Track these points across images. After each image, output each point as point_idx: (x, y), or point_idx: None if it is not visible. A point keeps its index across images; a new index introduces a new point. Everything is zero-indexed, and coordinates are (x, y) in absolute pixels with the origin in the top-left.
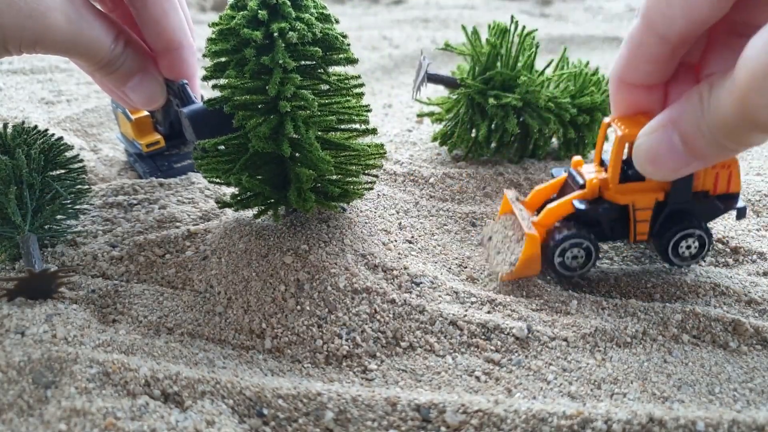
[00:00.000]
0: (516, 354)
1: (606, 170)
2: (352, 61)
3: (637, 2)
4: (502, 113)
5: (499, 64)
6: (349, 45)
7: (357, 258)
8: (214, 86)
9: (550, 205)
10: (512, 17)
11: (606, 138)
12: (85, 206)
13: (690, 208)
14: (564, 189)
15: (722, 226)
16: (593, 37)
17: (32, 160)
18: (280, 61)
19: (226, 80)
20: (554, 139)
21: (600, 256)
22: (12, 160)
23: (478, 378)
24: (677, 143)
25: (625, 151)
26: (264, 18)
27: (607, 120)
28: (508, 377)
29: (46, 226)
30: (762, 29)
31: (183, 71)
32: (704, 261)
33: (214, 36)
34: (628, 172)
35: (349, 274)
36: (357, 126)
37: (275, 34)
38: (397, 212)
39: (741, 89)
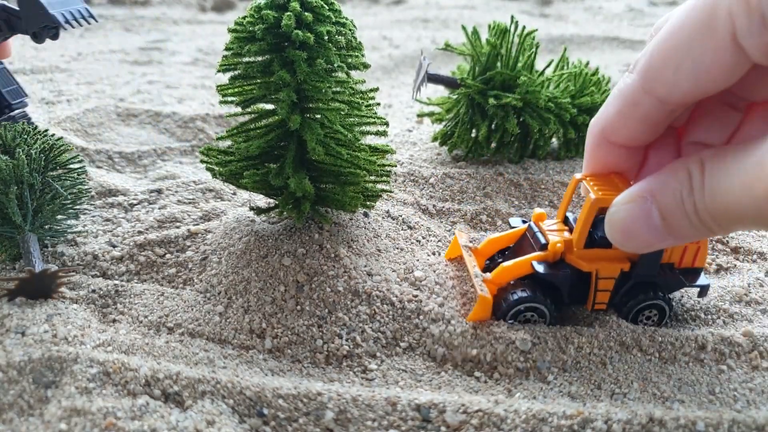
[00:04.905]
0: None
1: (570, 229)
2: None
3: (636, 2)
4: (502, 113)
5: (499, 64)
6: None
7: (356, 259)
8: (234, 78)
9: (505, 264)
10: (512, 17)
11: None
12: (85, 206)
13: (654, 280)
14: (521, 242)
15: None
16: (593, 37)
17: (32, 160)
18: (291, 32)
19: (241, 68)
20: (554, 139)
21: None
22: (12, 160)
23: (478, 378)
24: (655, 218)
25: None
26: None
27: (578, 176)
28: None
29: (46, 226)
30: None
31: None
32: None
33: (236, 26)
34: (594, 235)
35: (347, 276)
36: (368, 117)
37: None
38: (397, 212)
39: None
